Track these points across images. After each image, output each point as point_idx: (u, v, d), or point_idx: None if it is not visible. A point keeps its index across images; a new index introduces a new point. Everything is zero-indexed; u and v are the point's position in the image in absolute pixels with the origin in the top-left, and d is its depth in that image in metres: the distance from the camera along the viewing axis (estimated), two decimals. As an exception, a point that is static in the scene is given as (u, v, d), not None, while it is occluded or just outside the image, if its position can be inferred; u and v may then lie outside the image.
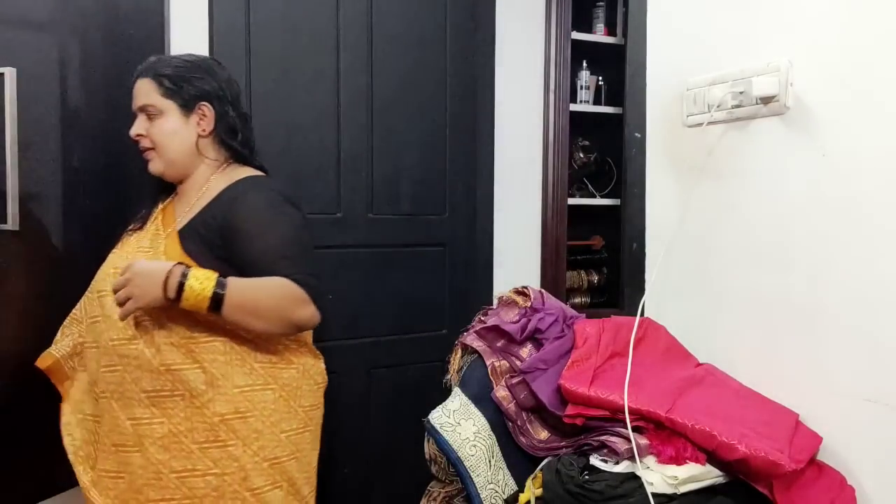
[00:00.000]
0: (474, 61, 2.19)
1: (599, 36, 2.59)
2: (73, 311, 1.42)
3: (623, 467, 1.02)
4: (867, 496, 1.04)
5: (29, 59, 1.34)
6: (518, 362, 1.24)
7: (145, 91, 1.33)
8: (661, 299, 1.40)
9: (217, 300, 1.19)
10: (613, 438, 1.05)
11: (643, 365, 1.18)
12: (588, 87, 2.61)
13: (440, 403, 1.24)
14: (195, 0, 1.81)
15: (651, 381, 1.14)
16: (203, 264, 1.25)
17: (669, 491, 0.99)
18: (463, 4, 2.15)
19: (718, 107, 1.23)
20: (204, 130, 1.36)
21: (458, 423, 1.19)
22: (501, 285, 2.19)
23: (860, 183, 1.04)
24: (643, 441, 1.04)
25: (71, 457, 1.33)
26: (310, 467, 1.36)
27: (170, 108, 1.33)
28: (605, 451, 1.04)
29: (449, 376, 1.34)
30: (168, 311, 1.23)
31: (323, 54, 1.93)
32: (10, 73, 1.28)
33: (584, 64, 2.58)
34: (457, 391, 1.26)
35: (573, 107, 2.43)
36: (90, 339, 1.34)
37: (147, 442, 1.24)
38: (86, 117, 1.49)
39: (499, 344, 1.29)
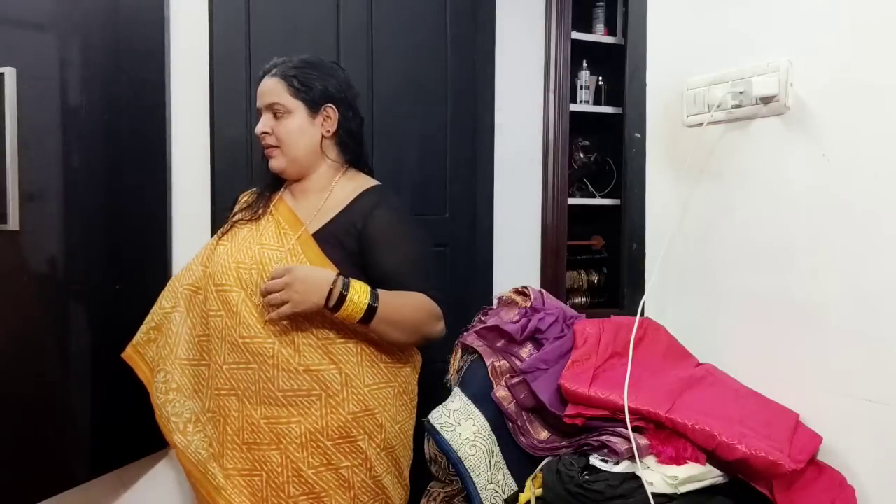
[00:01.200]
0: (474, 61, 2.18)
1: (599, 36, 2.59)
2: (162, 300, 1.45)
3: (623, 467, 1.01)
4: (867, 496, 1.04)
5: (29, 59, 1.34)
6: (518, 362, 1.24)
7: (275, 90, 1.36)
8: (661, 299, 1.39)
9: (370, 312, 1.23)
10: (613, 438, 1.05)
11: (643, 365, 1.18)
12: (588, 87, 2.62)
13: (440, 403, 1.24)
14: (195, 0, 1.81)
15: (651, 381, 1.13)
16: (343, 271, 1.28)
17: (669, 491, 0.99)
18: (463, 4, 2.15)
19: (718, 107, 1.23)
20: (328, 131, 1.39)
21: (458, 423, 1.19)
22: (501, 285, 2.19)
23: (860, 183, 1.04)
24: (643, 441, 1.04)
25: (193, 454, 1.34)
26: (410, 452, 1.43)
27: (298, 107, 1.36)
28: (605, 451, 1.04)
29: (449, 376, 1.34)
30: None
31: (323, 55, 1.92)
32: (10, 73, 1.28)
33: (584, 64, 2.58)
34: (457, 391, 1.26)
35: (573, 107, 2.43)
36: (203, 333, 1.35)
37: (286, 441, 1.26)
38: (86, 117, 1.49)
39: (499, 344, 1.29)
